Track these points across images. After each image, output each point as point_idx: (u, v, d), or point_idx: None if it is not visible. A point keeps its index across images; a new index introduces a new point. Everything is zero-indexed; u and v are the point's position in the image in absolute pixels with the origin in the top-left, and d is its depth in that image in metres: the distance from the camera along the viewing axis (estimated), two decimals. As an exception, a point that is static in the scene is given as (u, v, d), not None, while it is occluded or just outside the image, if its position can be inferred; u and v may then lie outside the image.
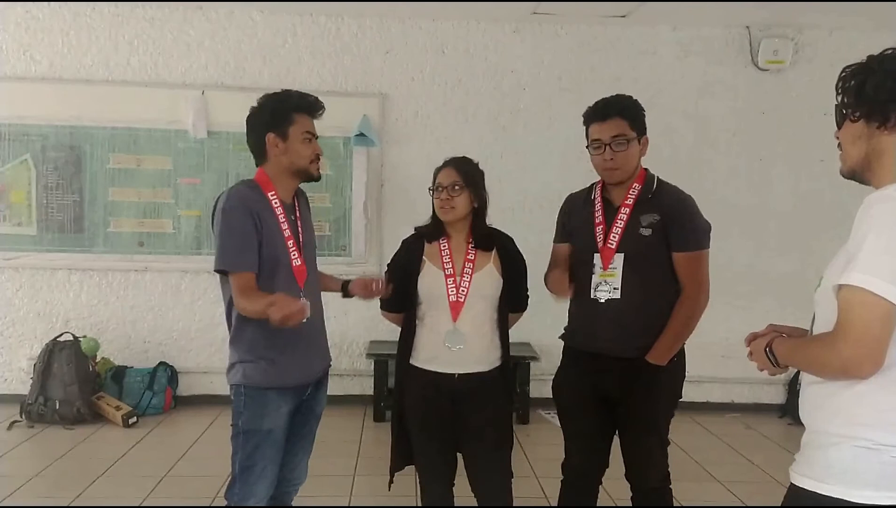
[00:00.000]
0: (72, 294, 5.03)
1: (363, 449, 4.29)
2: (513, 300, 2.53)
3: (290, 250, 2.31)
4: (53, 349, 4.67)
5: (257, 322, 2.19)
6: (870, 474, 1.40)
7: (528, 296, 2.60)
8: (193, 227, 4.99)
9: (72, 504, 3.40)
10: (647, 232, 2.43)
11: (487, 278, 2.47)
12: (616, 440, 2.58)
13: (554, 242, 2.71)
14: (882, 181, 1.47)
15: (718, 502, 3.59)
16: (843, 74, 1.51)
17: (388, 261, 2.63)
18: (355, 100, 4.94)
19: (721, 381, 5.17)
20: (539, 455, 4.08)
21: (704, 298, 2.48)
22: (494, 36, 5.05)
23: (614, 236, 2.46)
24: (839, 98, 1.53)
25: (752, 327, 1.78)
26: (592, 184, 2.64)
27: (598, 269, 2.48)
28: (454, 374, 2.44)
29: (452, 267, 2.46)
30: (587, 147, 2.52)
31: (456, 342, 2.42)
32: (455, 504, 2.57)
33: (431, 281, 2.46)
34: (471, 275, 2.45)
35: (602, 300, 2.46)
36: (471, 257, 2.47)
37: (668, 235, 2.43)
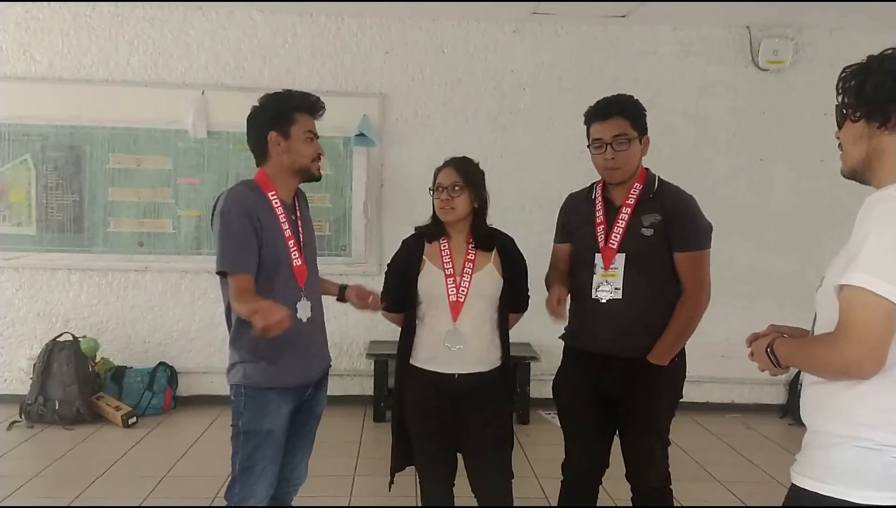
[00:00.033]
0: (71, 294, 5.03)
1: (363, 450, 4.29)
2: (513, 301, 2.53)
3: (291, 250, 2.31)
4: (53, 350, 4.66)
5: (257, 323, 2.19)
6: (871, 474, 1.39)
7: (528, 296, 2.60)
8: (193, 227, 4.99)
9: (71, 505, 3.40)
10: (648, 232, 2.43)
11: (487, 278, 2.46)
12: (616, 441, 2.58)
13: (554, 242, 2.71)
14: (883, 181, 1.47)
15: (718, 502, 3.59)
16: (844, 74, 1.51)
17: (389, 261, 2.63)
18: (355, 100, 4.94)
19: (721, 381, 5.17)
20: (539, 455, 4.08)
21: (706, 298, 2.48)
22: (494, 36, 5.05)
23: (616, 236, 2.46)
24: (839, 98, 1.52)
25: (752, 327, 1.77)
26: (593, 183, 2.63)
27: (599, 269, 2.47)
28: (454, 374, 2.44)
29: (452, 267, 2.45)
30: (588, 147, 2.51)
31: (456, 342, 2.42)
32: (455, 505, 2.57)
33: (431, 281, 2.46)
34: (471, 275, 2.44)
35: (603, 301, 2.46)
36: (471, 257, 2.47)
37: (669, 235, 2.43)
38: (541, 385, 4.68)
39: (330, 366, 2.56)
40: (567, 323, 2.64)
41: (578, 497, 2.64)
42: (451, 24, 5.03)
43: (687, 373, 2.57)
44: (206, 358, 5.06)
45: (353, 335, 5.06)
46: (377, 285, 2.68)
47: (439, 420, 2.47)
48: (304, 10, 4.94)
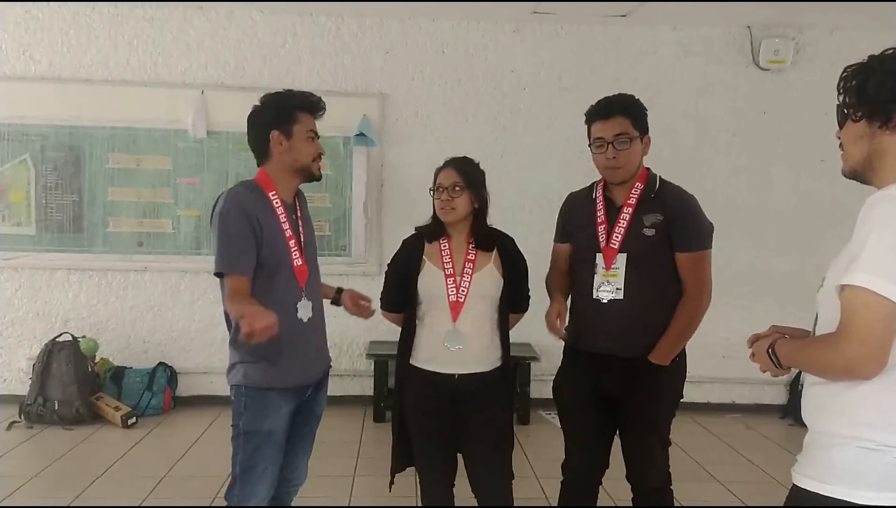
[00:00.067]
0: (71, 294, 5.03)
1: (363, 450, 4.28)
2: (513, 301, 2.53)
3: (292, 249, 2.31)
4: (52, 350, 4.66)
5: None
6: (872, 475, 1.39)
7: (528, 296, 2.59)
8: (193, 227, 4.99)
9: (71, 505, 3.39)
10: (650, 232, 2.42)
11: (488, 279, 2.46)
12: (617, 441, 2.58)
13: (554, 241, 2.71)
14: (884, 181, 1.47)
15: (718, 502, 3.58)
16: (845, 73, 1.50)
17: (389, 261, 2.62)
18: (355, 100, 4.94)
19: (722, 381, 5.16)
20: (539, 455, 4.07)
21: (707, 298, 2.47)
22: (494, 36, 5.05)
23: (617, 236, 2.45)
24: (840, 98, 1.52)
25: (752, 327, 1.77)
26: (593, 183, 2.62)
27: (600, 269, 2.47)
28: (454, 374, 2.44)
29: (452, 267, 2.45)
30: (589, 146, 2.51)
31: (455, 342, 2.41)
32: (455, 505, 2.57)
33: (431, 281, 2.46)
34: (471, 275, 2.44)
35: (604, 301, 2.45)
36: (471, 257, 2.46)
37: (671, 235, 2.42)
38: (541, 385, 4.68)
39: (330, 366, 2.56)
40: (568, 324, 2.62)
41: (578, 498, 2.64)
42: (451, 24, 5.03)
43: (687, 373, 2.57)
44: (206, 358, 5.05)
45: (353, 335, 5.05)
46: (377, 285, 2.68)
47: (439, 421, 2.46)
48: (304, 10, 4.94)
